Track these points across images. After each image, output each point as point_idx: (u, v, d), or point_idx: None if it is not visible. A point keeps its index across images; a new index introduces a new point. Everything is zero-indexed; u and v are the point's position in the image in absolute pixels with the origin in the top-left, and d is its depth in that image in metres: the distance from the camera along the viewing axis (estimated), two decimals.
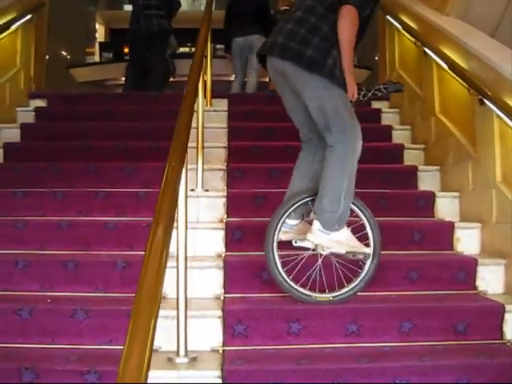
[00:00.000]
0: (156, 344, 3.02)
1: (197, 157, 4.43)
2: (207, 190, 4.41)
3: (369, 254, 3.30)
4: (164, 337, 3.03)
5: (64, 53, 11.00)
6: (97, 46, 11.27)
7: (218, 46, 10.21)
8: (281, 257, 3.28)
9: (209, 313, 3.18)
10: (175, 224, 2.98)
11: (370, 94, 3.43)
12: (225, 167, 4.70)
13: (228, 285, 3.49)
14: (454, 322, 3.23)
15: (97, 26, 12.05)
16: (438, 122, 5.04)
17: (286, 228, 3.39)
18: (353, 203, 3.30)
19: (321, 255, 3.33)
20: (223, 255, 3.78)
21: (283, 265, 3.28)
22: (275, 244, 3.28)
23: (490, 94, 3.90)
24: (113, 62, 10.23)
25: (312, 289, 3.30)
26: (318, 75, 3.17)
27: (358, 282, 3.30)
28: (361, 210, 3.36)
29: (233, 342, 3.10)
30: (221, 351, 3.06)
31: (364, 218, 3.36)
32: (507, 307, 3.30)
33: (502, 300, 3.44)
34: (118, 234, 3.88)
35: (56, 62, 10.38)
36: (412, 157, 5.19)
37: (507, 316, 3.28)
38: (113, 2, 12.15)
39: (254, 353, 3.03)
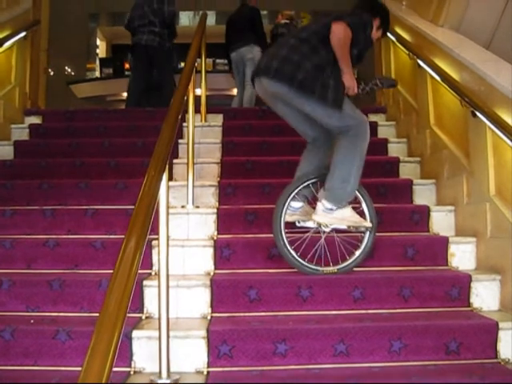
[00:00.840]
0: (139, 365, 3.02)
1: (187, 173, 4.38)
2: (198, 207, 4.35)
3: (369, 227, 3.69)
4: (147, 357, 2.99)
5: (65, 69, 11.01)
6: (97, 61, 11.26)
7: (218, 61, 10.21)
8: (288, 237, 3.64)
9: (193, 333, 3.10)
10: (157, 242, 2.95)
11: (367, 88, 3.84)
12: (217, 183, 4.63)
13: (215, 304, 3.42)
14: (446, 341, 3.14)
15: (98, 41, 12.03)
16: (432, 135, 4.98)
17: (291, 211, 3.73)
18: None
19: (324, 232, 3.70)
20: (212, 273, 3.72)
21: (291, 244, 3.64)
22: (282, 225, 3.65)
23: (481, 106, 3.84)
24: (113, 78, 10.23)
25: (318, 263, 3.65)
26: (310, 98, 3.51)
27: (358, 254, 3.70)
28: (359, 191, 3.74)
29: (217, 363, 3.02)
30: (205, 372, 2.99)
31: (362, 198, 3.77)
32: (501, 325, 3.21)
33: (496, 317, 3.35)
34: (106, 252, 3.81)
35: (57, 78, 10.39)
36: (408, 170, 5.13)
37: (501, 334, 3.19)
38: (114, 19, 12.13)
39: (239, 374, 2.96)
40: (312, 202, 3.82)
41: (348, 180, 3.57)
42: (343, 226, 3.69)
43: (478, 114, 3.88)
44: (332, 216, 3.63)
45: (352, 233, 3.75)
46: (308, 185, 3.77)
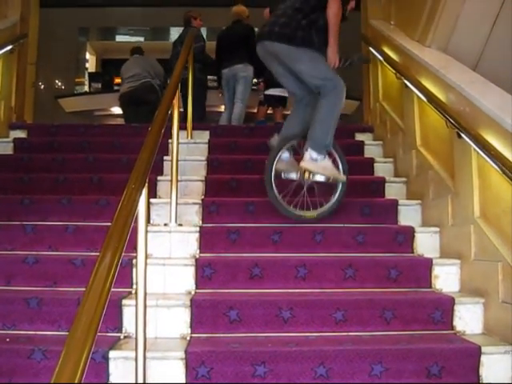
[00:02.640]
0: None
1: (170, 190, 4.33)
2: (181, 225, 4.30)
3: (343, 180, 4.38)
4: (124, 378, 2.94)
5: (54, 83, 10.98)
6: (86, 76, 11.23)
7: (208, 77, 10.18)
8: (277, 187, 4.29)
9: (171, 354, 3.05)
10: (135, 260, 2.90)
11: (347, 63, 4.55)
12: (200, 201, 4.59)
13: (195, 324, 3.37)
14: (427, 365, 3.11)
15: (88, 56, 12.01)
16: (419, 155, 4.97)
17: (281, 160, 4.40)
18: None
19: (306, 183, 4.36)
20: (193, 293, 3.67)
21: (278, 191, 4.29)
22: (273, 173, 4.31)
23: (466, 127, 3.82)
24: (102, 93, 10.20)
25: (301, 209, 4.30)
26: (308, 49, 4.25)
27: (334, 201, 4.39)
28: (335, 149, 4.42)
29: None
30: None
31: (336, 155, 4.44)
32: (484, 349, 3.18)
33: (479, 341, 3.31)
34: (85, 270, 3.74)
35: (46, 92, 10.36)
36: (394, 190, 5.10)
37: (484, 358, 3.16)
38: (104, 33, 12.12)
39: None
40: (297, 154, 4.48)
41: (328, 132, 4.25)
42: (323, 177, 4.34)
43: (463, 135, 3.87)
44: (317, 164, 4.25)
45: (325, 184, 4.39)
46: (293, 144, 4.47)
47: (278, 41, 4.30)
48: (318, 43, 4.30)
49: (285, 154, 4.44)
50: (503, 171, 3.35)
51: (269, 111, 8.63)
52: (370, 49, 6.31)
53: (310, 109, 4.43)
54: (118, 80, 9.63)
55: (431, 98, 4.49)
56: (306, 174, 4.36)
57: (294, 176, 4.42)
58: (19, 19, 6.83)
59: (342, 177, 4.39)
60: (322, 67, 4.30)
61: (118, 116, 9.41)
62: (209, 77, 9.34)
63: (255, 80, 8.20)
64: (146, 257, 2.88)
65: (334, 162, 4.42)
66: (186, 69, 5.96)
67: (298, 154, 4.47)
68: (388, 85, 6.11)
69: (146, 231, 2.87)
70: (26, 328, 3.35)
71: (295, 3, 4.40)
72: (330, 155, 4.38)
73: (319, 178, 4.35)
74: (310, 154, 4.23)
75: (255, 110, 8.88)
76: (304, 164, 4.26)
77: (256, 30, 7.68)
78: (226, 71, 7.72)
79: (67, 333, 3.29)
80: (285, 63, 4.36)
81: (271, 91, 8.02)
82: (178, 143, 4.55)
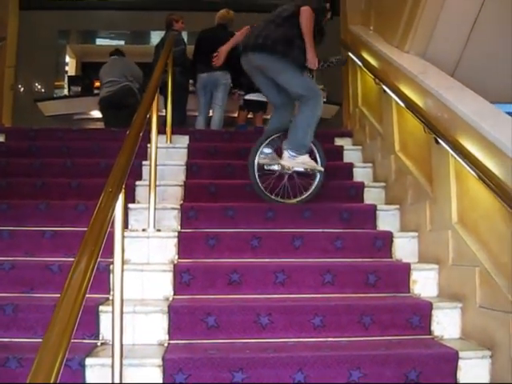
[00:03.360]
0: None
1: (149, 195, 4.31)
2: (159, 230, 4.28)
3: (321, 170, 4.79)
4: None
5: (34, 86, 10.90)
6: (66, 79, 11.14)
7: (191, 81, 10.14)
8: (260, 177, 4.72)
9: (148, 361, 3.03)
10: (112, 266, 2.88)
11: (325, 65, 5.06)
12: (179, 206, 4.57)
13: (173, 330, 3.35)
14: (405, 370, 3.12)
15: (68, 59, 11.93)
16: (397, 160, 4.99)
17: (263, 155, 4.82)
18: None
19: (287, 174, 4.80)
20: (170, 299, 3.65)
21: (261, 181, 4.72)
22: (255, 166, 4.73)
23: (444, 133, 3.85)
24: (81, 96, 10.14)
25: (282, 197, 4.73)
26: (288, 63, 4.60)
27: (312, 189, 4.80)
28: (314, 144, 4.83)
29: None
30: None
31: (315, 149, 4.86)
32: (461, 354, 3.20)
33: (457, 346, 3.33)
34: (62, 276, 3.68)
35: (25, 95, 10.28)
36: (373, 195, 5.11)
37: (461, 363, 3.18)
38: (85, 36, 12.05)
39: None
40: (278, 150, 4.86)
41: (306, 135, 4.65)
42: (302, 169, 4.72)
43: (440, 141, 3.89)
44: (295, 161, 4.67)
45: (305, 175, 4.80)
46: (274, 138, 4.86)
47: (262, 54, 4.66)
48: (298, 54, 4.65)
49: (266, 149, 4.84)
50: (480, 177, 3.38)
51: (249, 116, 8.63)
52: (349, 54, 6.33)
53: (288, 113, 4.93)
54: (97, 83, 9.55)
55: (409, 104, 4.52)
56: (287, 168, 4.76)
57: (275, 168, 4.83)
58: None
59: (320, 168, 4.80)
60: (303, 78, 4.72)
61: (97, 120, 9.35)
62: (190, 81, 9.34)
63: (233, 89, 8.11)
64: (123, 262, 2.85)
65: (312, 154, 4.84)
66: (166, 72, 5.94)
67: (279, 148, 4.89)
68: (367, 90, 6.13)
69: (123, 236, 2.84)
70: (0, 335, 3.30)
71: (275, 18, 4.80)
72: (310, 151, 4.82)
73: (298, 169, 4.76)
74: (288, 152, 4.66)
75: (236, 115, 8.86)
76: (284, 162, 4.70)
77: None
78: (205, 76, 7.58)
79: None
80: (268, 75, 4.74)
81: (251, 96, 8.00)
82: (157, 148, 4.54)
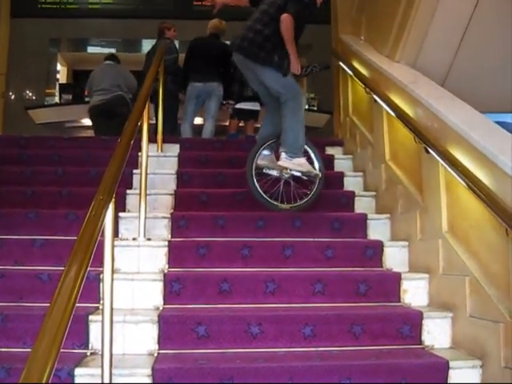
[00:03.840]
0: None
1: (139, 204, 4.30)
2: (150, 239, 4.26)
3: (318, 175, 4.82)
4: None
5: (25, 93, 10.87)
6: (57, 87, 11.11)
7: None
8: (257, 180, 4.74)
9: (138, 371, 3.02)
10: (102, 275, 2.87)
11: (308, 70, 5.12)
12: (170, 215, 4.56)
13: (163, 340, 3.34)
14: (396, 380, 3.12)
15: (59, 67, 11.90)
16: (388, 170, 5.00)
17: (261, 156, 4.88)
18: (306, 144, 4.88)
19: (283, 178, 4.83)
20: (161, 308, 3.63)
21: (259, 184, 4.74)
22: (254, 168, 4.78)
23: (434, 143, 3.86)
24: (72, 104, 10.10)
25: (277, 201, 4.72)
26: (269, 67, 4.74)
27: (309, 197, 4.78)
28: (310, 148, 4.94)
29: None
30: None
31: (312, 154, 4.95)
32: (452, 363, 3.21)
33: (447, 355, 3.34)
34: (52, 285, 3.66)
35: (16, 103, 10.24)
36: (363, 204, 5.12)
37: (452, 373, 3.19)
38: (76, 44, 12.02)
39: None
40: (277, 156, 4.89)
41: (297, 137, 4.76)
42: (299, 172, 4.77)
43: (430, 150, 3.90)
44: (292, 162, 4.73)
45: (303, 181, 4.84)
46: (271, 142, 4.93)
47: (246, 56, 4.84)
48: (277, 61, 4.75)
49: (265, 151, 4.92)
50: (470, 187, 3.39)
51: (241, 124, 8.62)
52: (340, 63, 6.35)
53: (279, 114, 4.89)
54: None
55: (399, 113, 4.53)
56: (285, 170, 4.82)
57: (274, 172, 4.88)
58: None
59: (317, 172, 4.85)
60: (282, 79, 4.76)
61: (88, 128, 9.29)
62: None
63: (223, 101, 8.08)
64: (113, 271, 2.86)
65: (309, 159, 4.89)
66: (157, 80, 5.94)
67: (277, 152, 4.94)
68: (358, 99, 6.15)
69: (113, 245, 2.84)
70: None
71: (263, 18, 4.85)
72: (305, 153, 4.87)
73: (296, 173, 4.79)
74: (285, 155, 4.75)
75: (227, 123, 8.86)
76: (281, 163, 4.77)
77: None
78: (200, 85, 7.52)
79: None
80: (257, 75, 4.88)
81: (242, 105, 8.00)
82: (148, 156, 4.52)
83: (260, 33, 4.78)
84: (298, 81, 5.18)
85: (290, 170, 4.79)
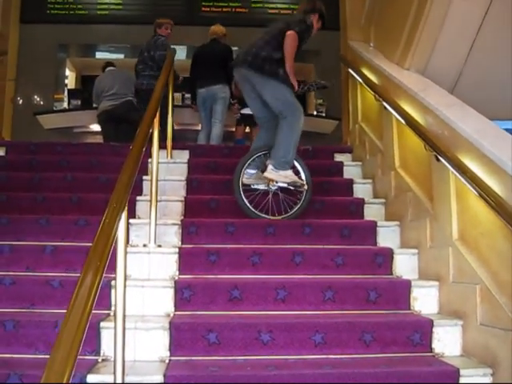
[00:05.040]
0: None
1: (150, 210, 4.31)
2: (160, 246, 4.27)
3: (304, 185, 4.93)
4: None
5: (33, 99, 10.90)
6: (66, 92, 11.13)
7: (188, 95, 10.16)
8: (245, 195, 4.86)
9: (150, 378, 3.03)
10: (114, 282, 2.88)
11: (306, 88, 5.27)
12: (180, 222, 4.57)
13: (174, 347, 3.34)
14: None
15: (67, 72, 11.93)
16: (397, 177, 5.00)
17: (247, 175, 5.00)
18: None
19: (271, 191, 4.95)
20: (171, 315, 3.64)
21: (248, 200, 4.86)
22: (241, 185, 4.89)
23: (444, 151, 3.85)
24: (81, 110, 10.12)
25: (267, 213, 4.83)
26: (274, 80, 4.93)
27: (297, 207, 4.91)
28: (297, 160, 5.04)
29: None
30: None
31: (299, 166, 5.05)
32: (462, 372, 3.20)
33: (458, 363, 3.33)
34: (63, 291, 3.71)
35: (25, 108, 10.27)
36: (373, 211, 5.12)
37: (462, 381, 3.18)
38: (84, 50, 12.05)
39: None
40: (263, 170, 4.96)
41: (288, 152, 4.87)
42: (285, 184, 4.91)
43: (441, 158, 3.90)
44: (278, 174, 4.87)
45: (291, 193, 4.96)
46: (259, 155, 5.08)
47: (250, 69, 5.00)
48: (282, 74, 4.95)
49: (251, 170, 5.05)
50: (481, 195, 3.38)
51: (247, 130, 8.65)
52: (350, 70, 6.36)
53: (271, 132, 5.05)
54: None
55: (409, 121, 4.53)
56: (271, 183, 4.95)
57: (261, 186, 5.01)
58: None
59: (302, 182, 4.95)
60: (284, 95, 4.95)
61: (97, 133, 9.32)
62: (188, 95, 9.33)
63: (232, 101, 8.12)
64: (126, 280, 2.86)
65: (295, 170, 5.02)
66: (167, 86, 5.95)
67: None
68: (367, 106, 6.16)
69: (126, 254, 2.85)
70: (1, 351, 3.29)
71: (264, 34, 5.15)
72: (292, 167, 5.00)
73: (282, 184, 4.94)
74: (272, 167, 4.87)
75: (233, 129, 8.88)
76: (267, 174, 4.89)
77: (234, 49, 7.72)
78: (204, 91, 7.59)
79: (44, 356, 3.27)
80: (255, 88, 5.03)
81: (247, 110, 8.02)
82: (159, 163, 4.54)
83: (263, 49, 5.01)
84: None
85: (277, 182, 4.92)
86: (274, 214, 4.85)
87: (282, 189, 4.94)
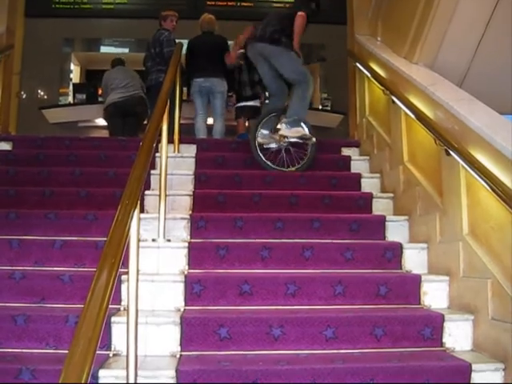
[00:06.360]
0: None
1: (159, 205, 4.30)
2: (169, 240, 4.27)
3: (312, 138, 5.69)
4: None
5: (38, 93, 10.89)
6: (71, 86, 11.11)
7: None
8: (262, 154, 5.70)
9: (162, 373, 3.03)
10: (126, 276, 2.88)
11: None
12: (188, 216, 4.56)
13: (185, 342, 3.34)
14: (419, 383, 3.10)
15: (72, 66, 11.91)
16: (406, 171, 4.99)
17: (261, 136, 5.77)
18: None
19: (283, 147, 5.75)
20: (182, 310, 3.64)
21: (264, 155, 5.70)
22: (257, 143, 5.73)
23: (455, 145, 3.84)
24: (86, 104, 10.11)
25: (282, 166, 5.69)
26: (288, 52, 5.69)
27: (306, 159, 5.74)
28: (304, 122, 5.71)
29: None
30: None
31: (303, 124, 5.70)
32: (474, 366, 3.20)
33: (469, 358, 3.33)
34: (73, 286, 3.71)
35: (30, 103, 10.26)
36: (381, 206, 5.11)
37: (474, 375, 3.17)
38: (89, 44, 12.03)
39: None
40: (274, 131, 5.73)
41: (301, 110, 5.66)
42: (296, 138, 5.65)
43: (451, 152, 3.89)
44: (290, 130, 5.61)
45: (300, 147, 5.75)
46: (271, 117, 5.85)
47: (268, 43, 5.75)
48: (295, 48, 5.69)
49: (264, 131, 5.80)
50: (492, 188, 3.38)
51: (247, 124, 8.62)
52: (357, 64, 6.34)
53: (281, 98, 6.00)
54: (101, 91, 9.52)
55: (419, 116, 4.52)
56: (283, 139, 5.70)
57: (273, 145, 5.78)
58: (5, 30, 6.78)
59: (310, 136, 5.68)
60: (298, 64, 5.72)
61: (102, 128, 9.32)
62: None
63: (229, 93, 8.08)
64: (138, 273, 2.86)
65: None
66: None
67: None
68: (375, 100, 6.14)
69: (138, 249, 2.84)
70: (13, 346, 3.29)
71: (277, 17, 5.99)
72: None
73: (293, 139, 5.68)
74: (286, 125, 5.60)
75: (235, 123, 8.84)
76: (282, 132, 5.63)
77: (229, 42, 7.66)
78: (201, 80, 7.43)
79: (55, 351, 3.28)
80: (270, 61, 5.76)
81: (244, 103, 8.00)
82: (167, 157, 4.53)
83: (278, 25, 5.80)
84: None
85: (289, 137, 5.65)
86: (288, 166, 5.69)
87: (292, 144, 5.72)
